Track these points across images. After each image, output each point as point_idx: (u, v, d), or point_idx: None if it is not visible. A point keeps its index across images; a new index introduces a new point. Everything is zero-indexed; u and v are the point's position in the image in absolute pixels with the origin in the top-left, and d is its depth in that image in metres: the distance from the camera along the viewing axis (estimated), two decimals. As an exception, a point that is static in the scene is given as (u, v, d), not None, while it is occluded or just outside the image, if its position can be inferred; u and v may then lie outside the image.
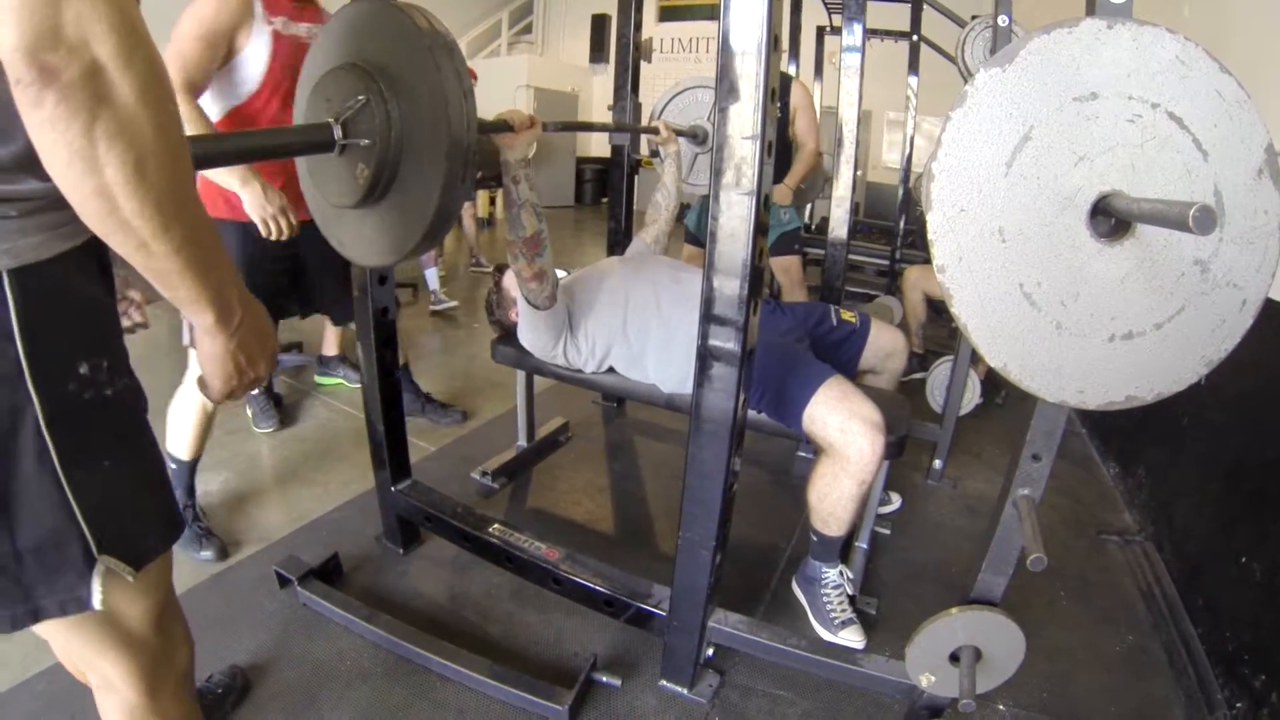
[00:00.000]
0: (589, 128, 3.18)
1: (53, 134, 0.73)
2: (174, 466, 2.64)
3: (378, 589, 2.48)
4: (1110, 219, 1.16)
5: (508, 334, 2.93)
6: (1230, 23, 3.15)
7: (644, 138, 3.68)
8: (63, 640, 1.12)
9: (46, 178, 0.77)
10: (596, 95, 15.84)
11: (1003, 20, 2.82)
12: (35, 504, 0.92)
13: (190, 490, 2.71)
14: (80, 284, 0.95)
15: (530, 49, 16.63)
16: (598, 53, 14.98)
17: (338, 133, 1.40)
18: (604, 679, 2.09)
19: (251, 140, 1.33)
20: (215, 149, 1.26)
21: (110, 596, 0.99)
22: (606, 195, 4.29)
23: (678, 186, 3.21)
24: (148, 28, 0.76)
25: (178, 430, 2.62)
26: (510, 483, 3.28)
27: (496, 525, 2.37)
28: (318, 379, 4.31)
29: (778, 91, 1.49)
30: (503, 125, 2.10)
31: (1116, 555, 3.03)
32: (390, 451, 2.52)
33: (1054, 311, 1.19)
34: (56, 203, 0.82)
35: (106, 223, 0.79)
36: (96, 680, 1.19)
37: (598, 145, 15.48)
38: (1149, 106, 1.14)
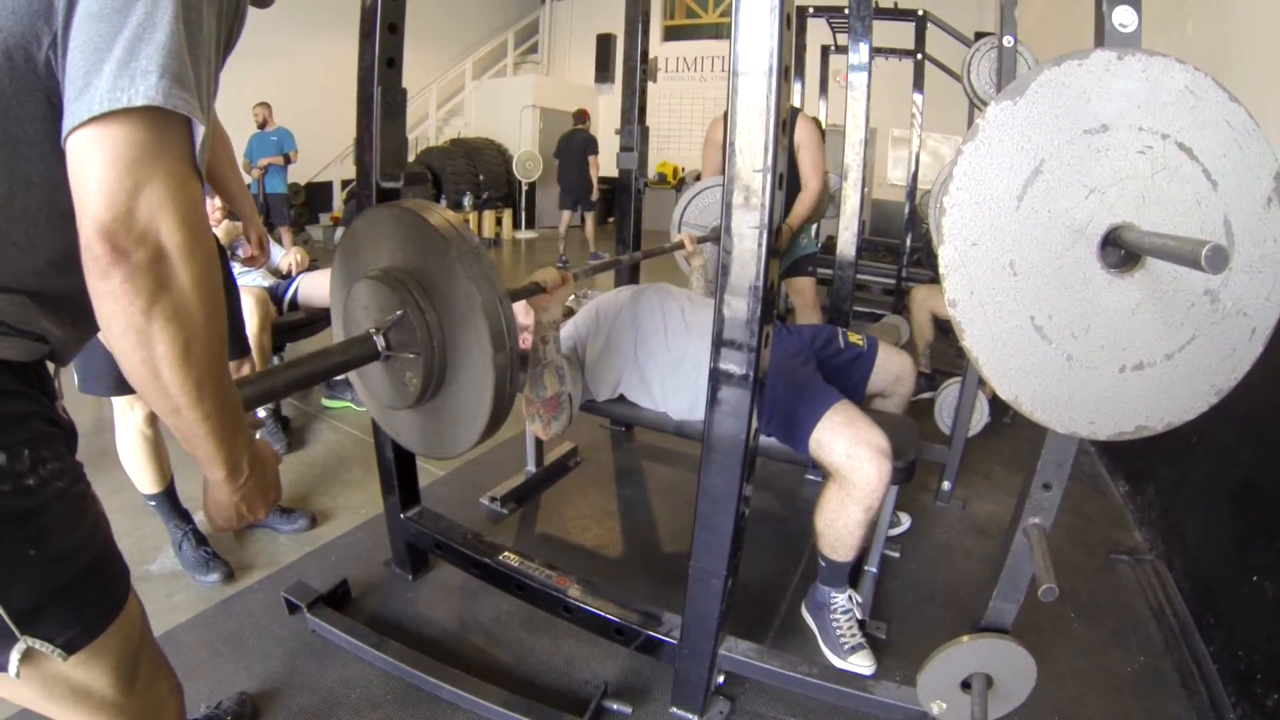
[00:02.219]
0: (615, 264, 3.15)
1: (114, 306, 0.83)
2: (151, 503, 2.66)
3: (387, 615, 2.48)
4: (1120, 249, 1.16)
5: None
6: (1233, 37, 3.16)
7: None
8: (35, 706, 1.10)
9: None
10: (603, 115, 15.89)
11: (1008, 41, 2.83)
12: None
13: (183, 515, 2.70)
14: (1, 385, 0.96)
15: (536, 69, 16.73)
16: (603, 72, 15.07)
17: (381, 343, 1.44)
18: (615, 706, 2.09)
19: (300, 369, 1.32)
20: (268, 386, 1.26)
21: (40, 670, 1.01)
22: (613, 215, 4.30)
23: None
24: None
25: (132, 469, 2.60)
26: (519, 508, 3.28)
27: (506, 553, 2.37)
28: (325, 402, 4.33)
29: (788, 122, 1.50)
30: (535, 289, 2.09)
31: (1127, 574, 3.02)
32: (399, 477, 2.52)
33: (1065, 344, 1.19)
34: None
35: (149, 387, 0.89)
36: None
37: (604, 165, 15.56)
38: (1159, 137, 1.14)
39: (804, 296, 4.43)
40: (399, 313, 1.42)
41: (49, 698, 1.07)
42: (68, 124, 0.81)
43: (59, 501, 1.00)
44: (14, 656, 0.97)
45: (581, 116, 11.82)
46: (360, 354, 1.45)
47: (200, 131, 0.87)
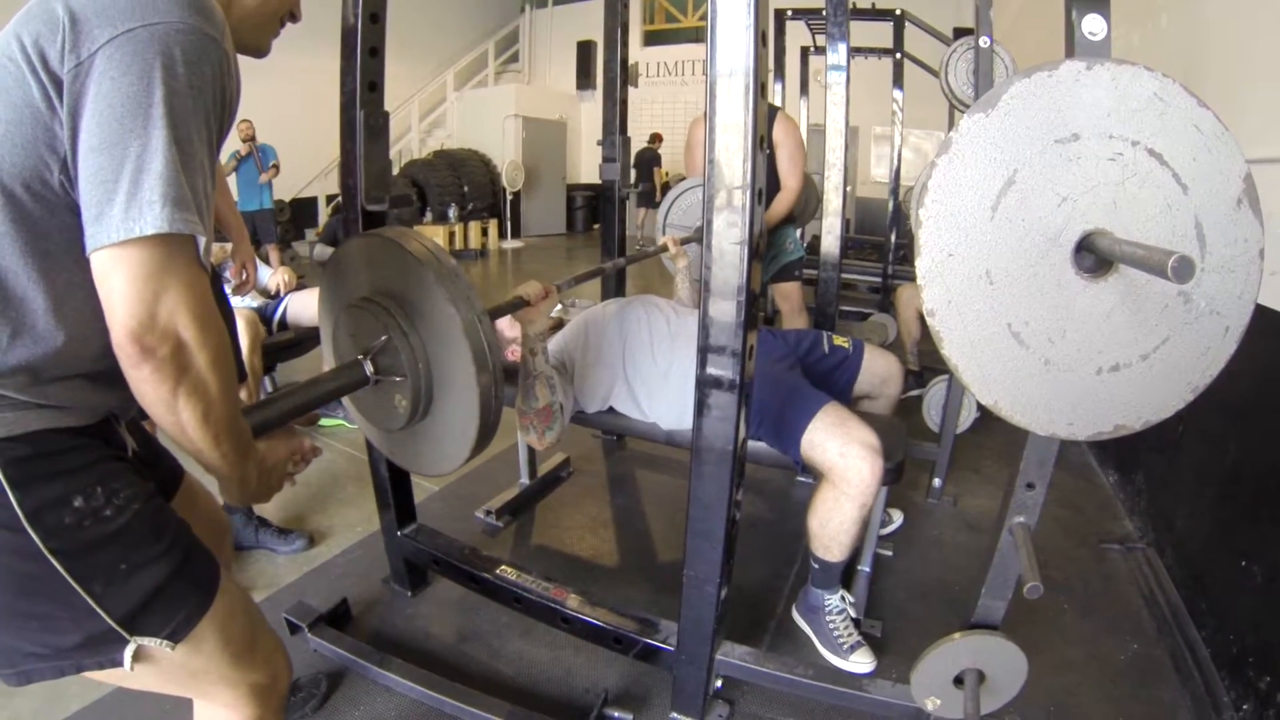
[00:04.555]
0: (600, 273, 3.17)
1: (146, 388, 1.02)
2: None
3: (387, 632, 2.50)
4: (1094, 255, 1.18)
5: (507, 375, 2.92)
6: (1206, 29, 3.19)
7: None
8: (165, 689, 1.30)
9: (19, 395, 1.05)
10: (585, 122, 15.93)
11: (984, 42, 2.86)
12: (64, 615, 1.08)
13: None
14: (62, 444, 1.10)
15: (517, 77, 16.73)
16: (584, 79, 15.06)
17: (369, 368, 1.49)
18: (616, 714, 2.11)
19: (295, 398, 1.39)
20: (264, 418, 1.32)
21: (153, 661, 1.17)
22: (598, 223, 4.31)
23: (695, 302, 3.24)
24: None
25: None
26: (514, 520, 3.30)
27: (503, 566, 2.39)
28: (319, 420, 4.32)
29: (768, 129, 1.52)
30: (518, 303, 2.12)
31: (1118, 563, 3.05)
32: (395, 495, 2.53)
33: (1042, 349, 1.21)
34: (26, 406, 1.06)
35: (178, 438, 1.09)
36: (210, 711, 1.40)
37: (587, 173, 15.57)
38: (1129, 144, 1.16)
39: (790, 301, 4.44)
40: (383, 338, 1.45)
41: (167, 682, 1.26)
42: (90, 245, 0.97)
43: (138, 520, 1.15)
44: (127, 654, 1.13)
45: (655, 139, 14.41)
46: (350, 380, 1.49)
47: (203, 241, 1.04)
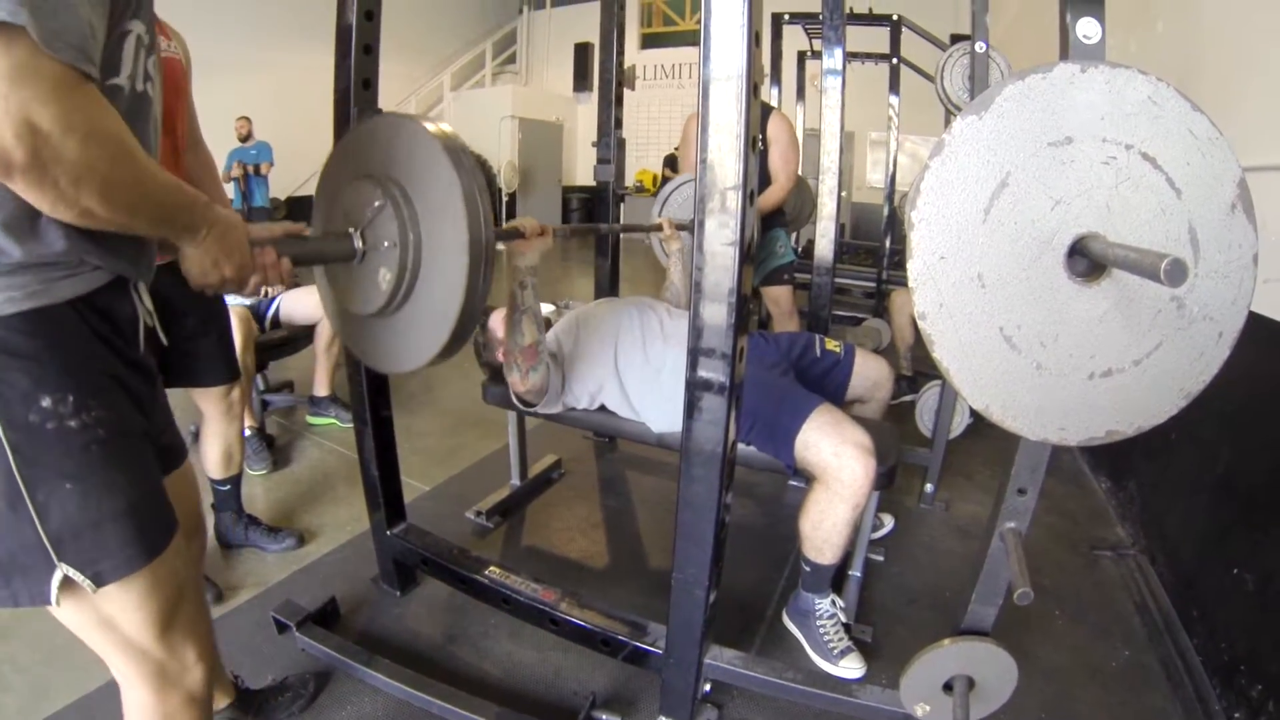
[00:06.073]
0: (596, 230, 3.20)
1: (30, 196, 0.95)
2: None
3: (375, 632, 2.48)
4: (1087, 259, 1.18)
5: (496, 375, 2.93)
6: (1202, 36, 3.20)
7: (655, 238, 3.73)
8: (75, 631, 1.27)
9: (16, 252, 1.03)
10: (581, 123, 15.94)
11: (980, 47, 2.86)
12: (4, 512, 1.10)
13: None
14: (50, 332, 1.10)
15: (515, 79, 16.74)
16: (581, 81, 15.09)
17: (358, 241, 1.46)
18: (603, 717, 2.11)
19: (280, 243, 1.38)
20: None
21: (84, 598, 1.19)
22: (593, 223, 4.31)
23: (688, 286, 3.26)
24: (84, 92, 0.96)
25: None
26: (505, 521, 3.29)
27: (493, 567, 2.37)
28: (309, 419, 4.31)
29: (759, 126, 1.52)
30: (514, 232, 2.12)
31: (1110, 570, 3.05)
32: (385, 494, 2.53)
33: (1034, 353, 1.20)
34: (24, 269, 1.06)
35: (97, 223, 1.01)
36: (115, 675, 1.36)
37: (583, 174, 15.58)
38: (1123, 148, 1.16)
39: (780, 305, 4.45)
40: (377, 204, 1.44)
41: (83, 625, 1.25)
42: None
43: (98, 447, 1.15)
44: (53, 585, 1.14)
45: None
46: (338, 249, 1.48)
47: (69, 53, 0.93)
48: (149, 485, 1.26)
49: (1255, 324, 1.29)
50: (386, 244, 1.44)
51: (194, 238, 1.17)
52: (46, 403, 1.08)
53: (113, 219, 1.02)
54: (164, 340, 1.43)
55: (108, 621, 1.25)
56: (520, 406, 2.62)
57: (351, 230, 1.47)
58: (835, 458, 2.21)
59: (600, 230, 3.27)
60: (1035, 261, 1.17)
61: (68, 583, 1.15)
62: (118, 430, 1.19)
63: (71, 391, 1.11)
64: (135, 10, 1.14)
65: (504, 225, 2.08)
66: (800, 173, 4.66)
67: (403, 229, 1.43)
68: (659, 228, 3.30)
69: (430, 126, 1.44)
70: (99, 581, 1.17)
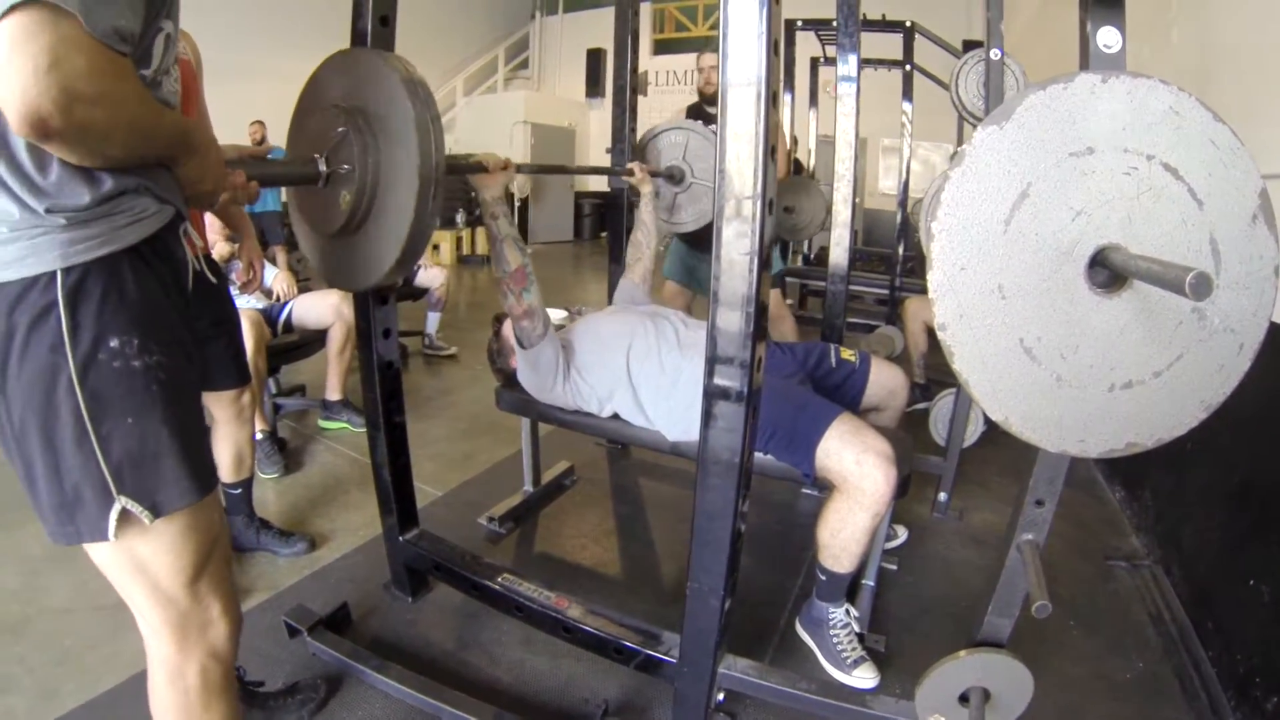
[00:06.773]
0: (563, 170, 3.26)
1: (60, 154, 1.06)
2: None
3: (387, 637, 2.48)
4: (1108, 270, 1.17)
5: (510, 381, 2.94)
6: (1217, 44, 3.18)
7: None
8: (108, 574, 1.33)
9: (85, 196, 1.12)
10: (594, 130, 15.96)
11: (995, 54, 2.85)
12: (70, 447, 1.17)
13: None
14: (119, 279, 1.18)
15: (527, 84, 16.77)
16: (594, 87, 15.11)
17: (323, 165, 1.58)
18: (616, 725, 2.10)
19: (248, 165, 1.49)
20: None
21: (130, 537, 1.25)
22: (605, 230, 4.31)
23: (656, 224, 3.33)
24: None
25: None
26: (517, 527, 3.28)
27: (505, 574, 2.37)
28: (321, 423, 4.32)
29: (777, 135, 1.51)
30: (477, 166, 2.22)
31: (1125, 580, 3.03)
32: (397, 499, 2.52)
33: (1054, 365, 1.20)
34: (95, 218, 1.14)
35: (115, 164, 1.14)
36: (141, 627, 1.40)
37: (596, 181, 15.58)
38: (1144, 158, 1.16)
39: (770, 308, 4.44)
40: (340, 130, 1.56)
41: (119, 566, 1.30)
42: None
43: (159, 387, 1.23)
44: (111, 519, 1.21)
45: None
46: (303, 172, 1.61)
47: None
48: (201, 430, 1.35)
49: (1273, 334, 1.28)
50: (347, 168, 1.57)
51: (190, 159, 1.29)
52: (115, 343, 1.17)
53: (128, 159, 1.15)
54: (212, 279, 1.56)
55: (141, 566, 1.30)
56: (522, 353, 2.63)
57: (316, 155, 1.59)
58: (857, 466, 2.20)
59: (570, 171, 3.30)
60: (1056, 273, 1.17)
61: (124, 518, 1.21)
62: (177, 374, 1.27)
63: (137, 335, 1.19)
64: (169, 10, 1.22)
65: (468, 160, 2.23)
66: (815, 176, 4.66)
67: (362, 154, 1.55)
68: (630, 172, 3.36)
69: (392, 60, 1.56)
70: (156, 512, 1.25)
